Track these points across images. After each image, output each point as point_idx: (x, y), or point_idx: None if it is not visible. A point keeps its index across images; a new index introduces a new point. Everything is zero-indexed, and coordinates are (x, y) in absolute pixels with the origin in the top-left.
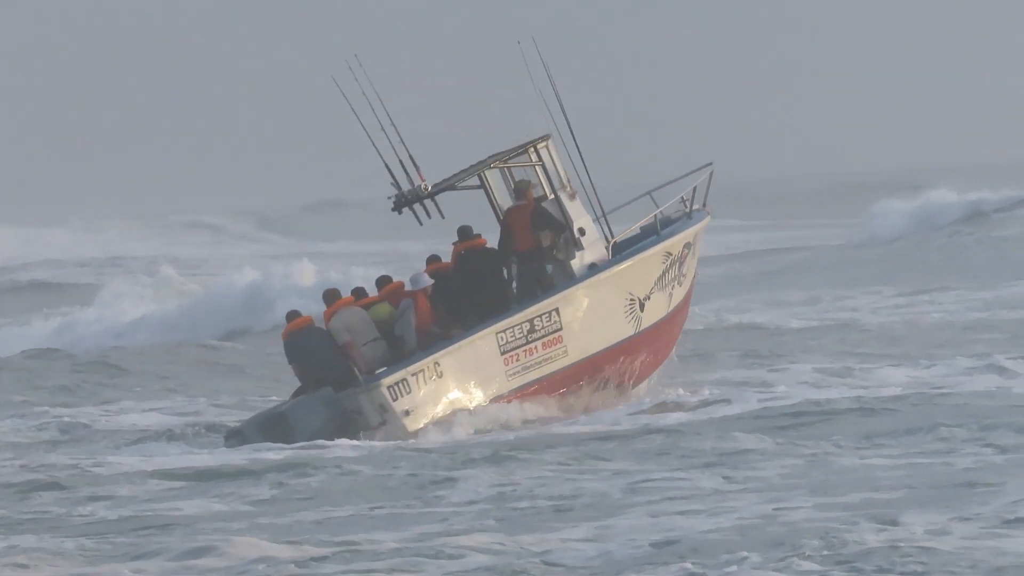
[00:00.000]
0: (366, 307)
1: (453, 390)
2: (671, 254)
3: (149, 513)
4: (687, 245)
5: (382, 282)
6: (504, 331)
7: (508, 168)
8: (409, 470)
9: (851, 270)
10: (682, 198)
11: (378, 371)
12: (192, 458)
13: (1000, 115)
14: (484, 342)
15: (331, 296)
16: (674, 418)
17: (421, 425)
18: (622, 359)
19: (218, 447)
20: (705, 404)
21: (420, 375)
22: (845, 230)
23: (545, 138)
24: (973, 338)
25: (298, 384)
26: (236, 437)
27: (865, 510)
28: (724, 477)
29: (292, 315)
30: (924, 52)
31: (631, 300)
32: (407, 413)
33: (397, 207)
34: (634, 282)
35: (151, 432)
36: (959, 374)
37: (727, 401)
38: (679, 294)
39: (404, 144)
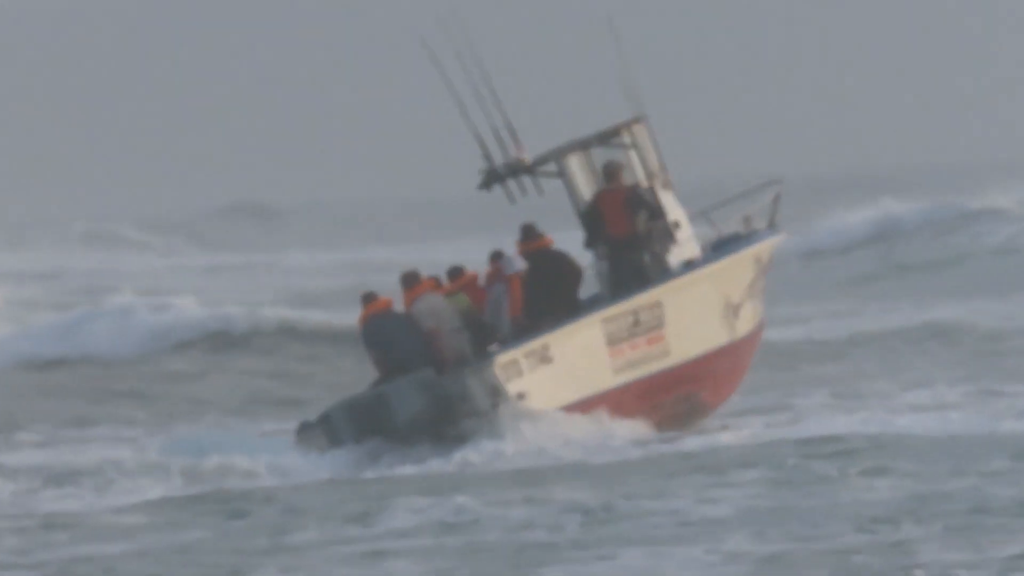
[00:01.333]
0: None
1: (560, 379)
2: (760, 260)
3: None
4: (767, 258)
5: (454, 273)
6: (610, 320)
7: (587, 153)
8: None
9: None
10: (745, 216)
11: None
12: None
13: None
14: (590, 330)
15: (412, 279)
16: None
17: (530, 414)
18: (714, 369)
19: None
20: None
21: (530, 357)
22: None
23: (640, 119)
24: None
25: (367, 379)
26: (323, 425)
27: None
28: None
29: (369, 297)
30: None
31: (727, 304)
32: (521, 397)
33: (486, 183)
34: (730, 284)
35: None
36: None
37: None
38: (760, 310)
39: (501, 110)
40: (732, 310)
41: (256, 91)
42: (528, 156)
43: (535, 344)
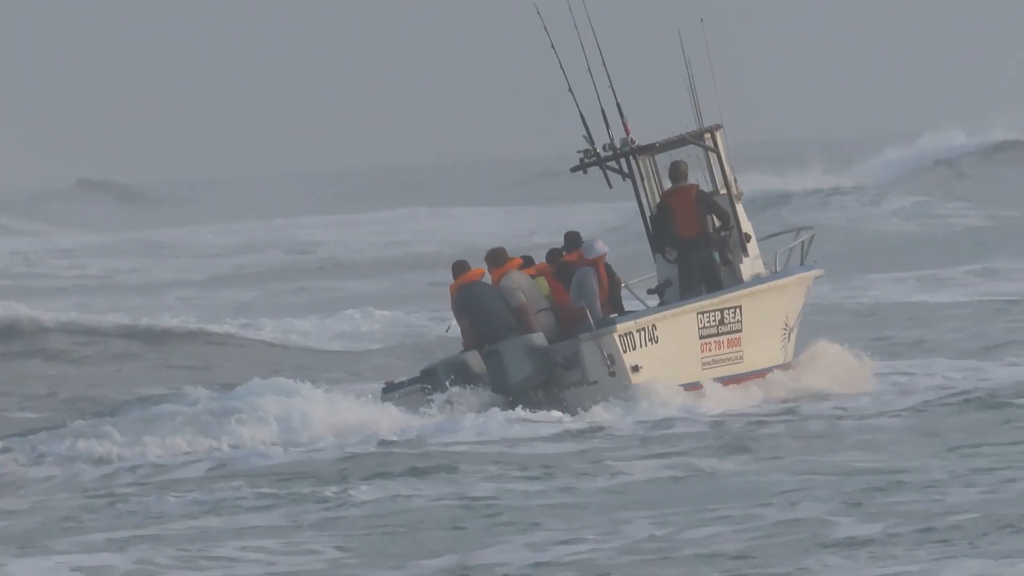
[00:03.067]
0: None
1: (664, 361)
2: (808, 289)
3: None
4: (808, 289)
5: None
6: (702, 313)
7: (652, 157)
8: None
9: None
10: (775, 255)
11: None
12: None
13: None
14: (688, 320)
15: (500, 256)
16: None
17: (641, 389)
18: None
19: None
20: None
21: (643, 333)
22: None
23: (719, 127)
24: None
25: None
26: (426, 379)
27: None
28: None
29: (462, 266)
30: None
31: (786, 324)
32: (636, 369)
33: (584, 165)
34: (790, 305)
35: None
36: None
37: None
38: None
39: (613, 88)
40: (788, 333)
41: None
42: (635, 139)
43: (646, 320)
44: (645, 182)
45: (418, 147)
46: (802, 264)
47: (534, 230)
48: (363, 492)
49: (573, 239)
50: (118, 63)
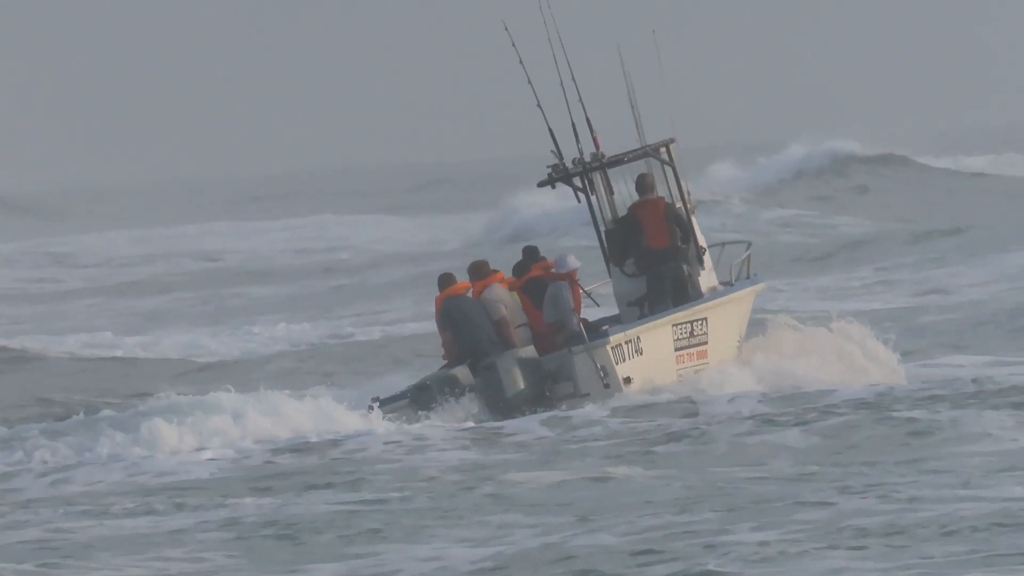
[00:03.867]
0: None
1: (646, 372)
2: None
3: None
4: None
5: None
6: (676, 325)
7: (605, 171)
8: None
9: None
10: (731, 268)
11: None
12: None
13: None
14: (665, 332)
15: (483, 269)
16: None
17: (630, 400)
18: None
19: None
20: None
21: (630, 344)
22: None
23: (672, 140)
24: None
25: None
26: (421, 393)
27: None
28: None
29: (448, 279)
30: None
31: (740, 335)
32: (628, 381)
33: (552, 179)
34: (743, 316)
35: None
36: None
37: None
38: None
39: (582, 103)
40: (740, 344)
41: None
42: (604, 153)
43: (632, 333)
44: (597, 196)
45: (315, 154)
46: (748, 277)
47: (446, 238)
48: (253, 499)
49: (531, 253)
50: None
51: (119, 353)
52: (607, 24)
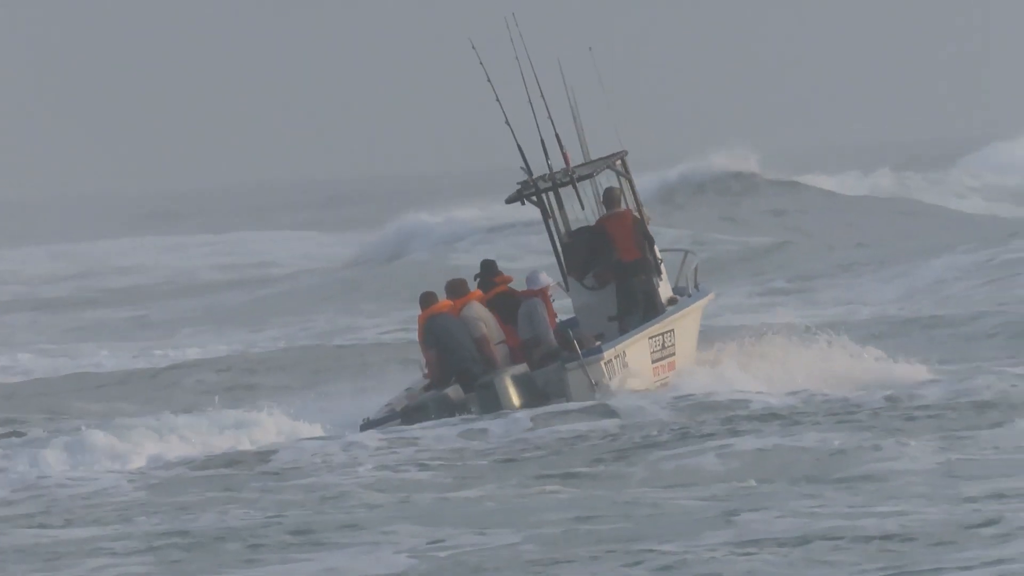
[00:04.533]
0: None
1: (631, 386)
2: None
3: None
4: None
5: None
6: (651, 338)
7: (575, 185)
8: None
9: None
10: (687, 278)
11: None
12: None
13: None
14: (643, 345)
15: (461, 288)
16: None
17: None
18: None
19: None
20: None
21: (617, 360)
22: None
23: (625, 152)
24: None
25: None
26: (416, 414)
27: None
28: None
29: (430, 298)
30: None
31: (695, 346)
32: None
33: (522, 195)
34: (697, 327)
35: None
36: None
37: None
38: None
39: (551, 119)
40: (694, 355)
41: None
42: (574, 169)
43: (620, 348)
44: (554, 211)
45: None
46: (696, 287)
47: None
48: (166, 509)
49: (490, 267)
50: None
51: (38, 375)
52: (551, 42)
